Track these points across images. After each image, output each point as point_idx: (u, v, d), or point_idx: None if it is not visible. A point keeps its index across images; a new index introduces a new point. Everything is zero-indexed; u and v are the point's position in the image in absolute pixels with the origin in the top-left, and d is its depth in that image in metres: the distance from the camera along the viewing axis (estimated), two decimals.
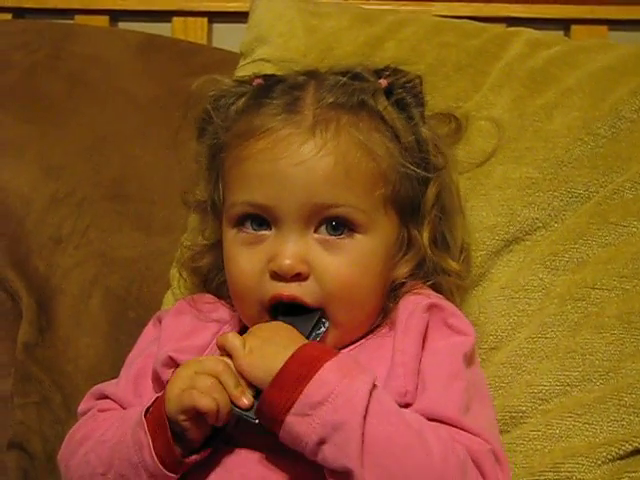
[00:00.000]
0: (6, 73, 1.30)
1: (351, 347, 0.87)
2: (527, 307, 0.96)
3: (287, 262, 0.82)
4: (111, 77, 1.31)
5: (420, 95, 0.94)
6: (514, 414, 0.91)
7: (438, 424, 0.78)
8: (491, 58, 1.10)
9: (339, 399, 0.73)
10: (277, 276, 0.83)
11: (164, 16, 1.48)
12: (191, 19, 1.48)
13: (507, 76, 1.08)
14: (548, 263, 0.98)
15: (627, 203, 0.98)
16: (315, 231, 0.84)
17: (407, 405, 0.80)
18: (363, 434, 0.72)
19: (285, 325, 0.82)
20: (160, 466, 0.78)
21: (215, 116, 0.91)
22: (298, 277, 0.83)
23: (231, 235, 0.88)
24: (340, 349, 0.83)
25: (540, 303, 0.96)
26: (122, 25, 1.50)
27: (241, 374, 0.77)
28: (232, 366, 0.78)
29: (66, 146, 1.25)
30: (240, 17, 1.34)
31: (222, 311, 0.93)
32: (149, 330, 0.98)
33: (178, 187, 1.06)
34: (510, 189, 1.01)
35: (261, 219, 0.85)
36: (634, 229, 0.97)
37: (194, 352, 0.88)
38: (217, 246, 0.94)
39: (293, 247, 0.83)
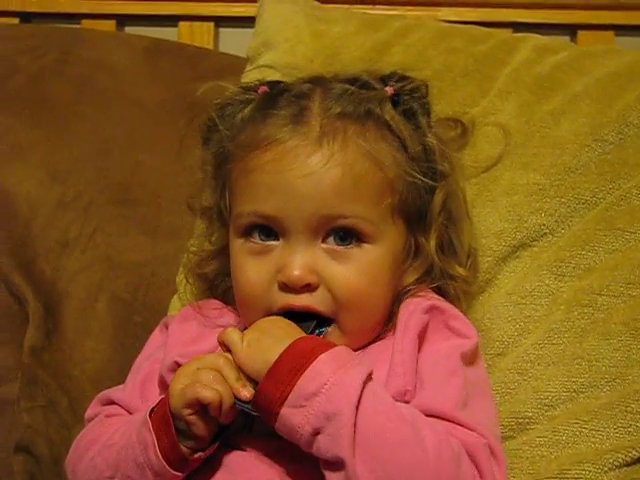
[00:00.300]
0: (13, 77, 1.31)
1: (357, 352, 0.86)
2: (534, 313, 0.96)
3: (296, 273, 0.82)
4: (118, 81, 1.32)
5: (427, 102, 0.94)
6: (520, 420, 0.91)
7: (434, 419, 0.77)
8: (498, 64, 1.10)
9: (332, 390, 0.73)
10: (286, 287, 0.83)
11: (171, 21, 1.48)
12: (197, 24, 1.48)
13: (514, 82, 1.08)
14: (555, 269, 0.98)
15: (634, 209, 0.98)
16: (323, 241, 0.84)
17: (406, 404, 0.80)
18: (355, 424, 0.72)
19: (284, 319, 0.82)
20: (165, 464, 0.78)
21: (220, 124, 0.91)
22: (307, 288, 0.83)
23: (238, 245, 0.88)
24: None
25: (547, 309, 0.96)
26: (129, 30, 1.50)
27: (240, 367, 0.78)
28: (232, 361, 0.78)
29: (73, 150, 1.25)
30: (247, 22, 1.34)
31: (228, 317, 0.93)
32: (156, 336, 0.98)
33: (184, 192, 1.06)
34: (517, 195, 1.01)
35: (268, 229, 0.85)
36: None
37: None
38: (223, 252, 0.94)
39: (301, 258, 0.83)
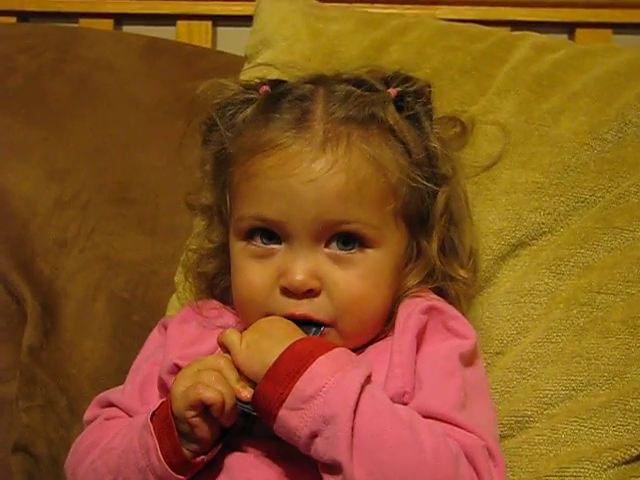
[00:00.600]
0: (11, 76, 1.30)
1: (355, 354, 0.86)
2: (532, 312, 0.96)
3: (299, 278, 0.82)
4: (116, 80, 1.31)
5: (430, 103, 0.93)
6: (519, 418, 0.91)
7: (432, 421, 0.77)
8: (497, 62, 1.10)
9: (330, 392, 0.73)
10: (288, 292, 0.83)
11: (168, 19, 1.48)
12: (195, 22, 1.48)
13: (513, 80, 1.08)
14: (554, 268, 0.97)
15: (633, 208, 0.98)
16: (326, 246, 0.84)
17: (405, 405, 0.80)
18: (353, 427, 0.72)
19: (283, 319, 0.82)
20: (167, 467, 0.78)
21: (221, 125, 0.90)
22: (309, 293, 0.83)
23: (239, 247, 0.87)
24: None
25: (546, 308, 0.96)
26: (126, 28, 1.50)
27: (239, 369, 0.78)
28: (232, 362, 0.78)
29: (71, 149, 1.25)
30: (244, 20, 1.33)
31: (227, 317, 0.93)
32: (154, 336, 0.98)
33: (183, 190, 1.05)
34: (516, 194, 1.01)
35: (270, 233, 0.85)
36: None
37: None
38: (223, 250, 0.94)
39: (304, 263, 0.82)
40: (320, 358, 0.75)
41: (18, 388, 1.12)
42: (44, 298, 1.17)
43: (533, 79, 1.07)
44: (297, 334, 0.79)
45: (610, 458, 0.87)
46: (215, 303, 0.96)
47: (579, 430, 0.89)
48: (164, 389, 0.88)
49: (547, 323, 0.95)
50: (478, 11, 1.42)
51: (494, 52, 1.11)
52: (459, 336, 0.85)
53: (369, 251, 0.85)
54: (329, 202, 0.82)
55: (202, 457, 0.79)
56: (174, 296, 1.09)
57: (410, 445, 0.73)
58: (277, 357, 0.75)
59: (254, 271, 0.85)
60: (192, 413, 0.77)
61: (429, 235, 0.89)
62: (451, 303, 0.90)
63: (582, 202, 1.00)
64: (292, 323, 0.81)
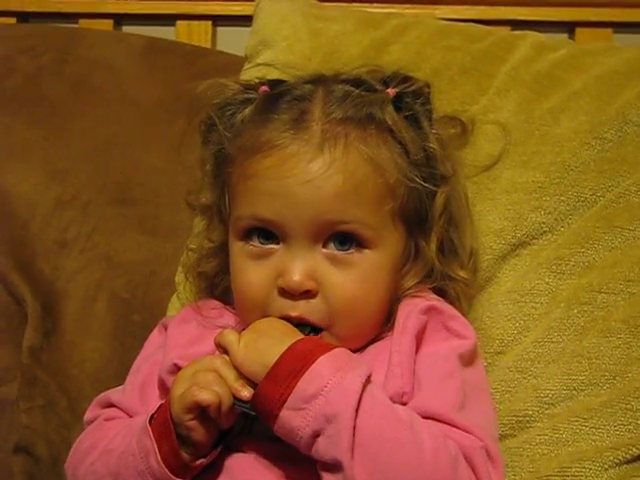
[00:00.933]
0: (11, 77, 1.30)
1: (355, 354, 0.86)
2: (533, 311, 0.96)
3: (296, 279, 0.82)
4: (115, 81, 1.31)
5: (429, 104, 0.93)
6: (520, 418, 0.91)
7: (431, 422, 0.77)
8: (497, 61, 1.10)
9: (332, 392, 0.73)
10: (285, 293, 0.83)
11: (168, 20, 1.48)
12: (195, 22, 1.48)
13: (513, 80, 1.07)
14: (554, 267, 0.97)
15: (633, 207, 0.98)
16: (323, 246, 0.84)
17: (404, 405, 0.80)
18: (355, 427, 0.72)
19: (280, 320, 0.82)
20: (167, 471, 0.78)
21: (220, 125, 0.90)
22: (306, 294, 0.82)
23: (238, 247, 0.87)
24: None
25: (546, 307, 0.96)
26: (126, 29, 1.50)
27: (237, 369, 0.78)
28: (230, 362, 0.78)
29: (71, 150, 1.25)
30: (244, 20, 1.33)
31: (227, 317, 0.93)
32: (154, 336, 0.98)
33: (183, 190, 1.05)
34: (517, 193, 1.01)
35: (268, 233, 0.85)
36: None
37: None
38: (223, 250, 0.94)
39: (302, 263, 0.82)
40: (320, 358, 0.75)
41: (19, 389, 1.12)
42: (44, 299, 1.17)
43: (533, 78, 1.07)
44: (295, 334, 0.79)
45: (611, 458, 0.87)
46: (215, 303, 0.96)
47: (580, 430, 0.89)
48: (164, 389, 0.88)
49: (548, 322, 0.95)
50: (478, 10, 1.42)
51: (494, 52, 1.11)
52: (459, 336, 0.85)
53: (367, 251, 0.84)
54: (326, 203, 0.82)
55: (201, 460, 0.79)
56: (174, 296, 1.09)
57: (410, 445, 0.73)
58: (278, 357, 0.75)
59: (252, 271, 0.85)
60: (189, 416, 0.77)
61: (428, 235, 0.89)
62: (451, 303, 0.90)
63: (583, 201, 1.00)
64: (289, 324, 0.81)
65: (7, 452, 1.09)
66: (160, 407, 0.81)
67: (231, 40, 1.46)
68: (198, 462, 0.79)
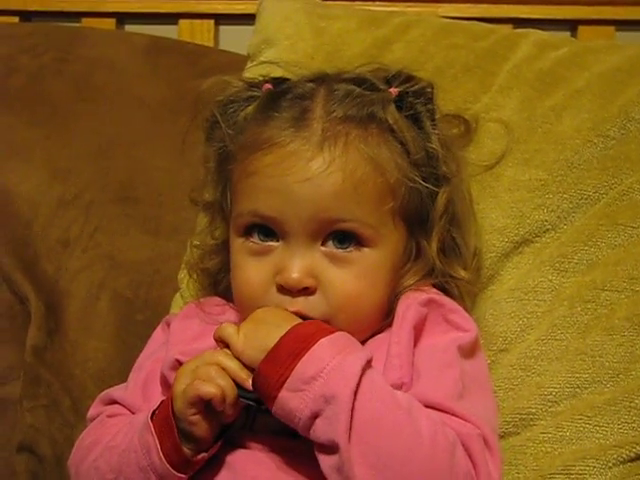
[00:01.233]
0: (13, 76, 1.30)
1: None
2: (537, 309, 0.96)
3: (294, 276, 0.82)
4: (118, 80, 1.31)
5: (432, 104, 0.93)
6: (524, 416, 0.91)
7: (430, 410, 0.77)
8: (499, 60, 1.09)
9: (332, 374, 0.73)
10: (284, 289, 0.83)
11: (171, 18, 1.48)
12: (198, 21, 1.47)
13: (515, 78, 1.07)
14: (557, 265, 0.97)
15: (636, 204, 0.98)
16: (323, 244, 0.84)
17: None
18: (353, 409, 0.72)
19: (278, 308, 0.82)
20: (169, 466, 0.78)
21: (223, 122, 0.90)
22: (305, 291, 0.83)
23: (238, 244, 0.87)
24: None
25: (550, 305, 0.96)
26: (129, 28, 1.50)
27: (239, 359, 0.78)
28: (231, 354, 0.79)
29: (73, 149, 1.25)
30: (247, 19, 1.32)
31: (230, 314, 0.93)
32: (158, 334, 0.98)
33: (186, 189, 1.05)
34: (519, 191, 1.00)
35: (268, 229, 0.85)
36: None
37: None
38: (225, 247, 0.94)
39: (300, 261, 0.83)
40: (321, 340, 0.75)
41: (22, 388, 1.12)
42: (48, 298, 1.17)
43: (536, 76, 1.07)
44: (294, 319, 0.80)
45: (615, 456, 0.87)
46: (218, 300, 0.96)
47: (584, 428, 0.89)
48: (166, 385, 0.88)
49: (551, 320, 0.95)
50: (480, 9, 1.42)
51: (497, 50, 1.10)
52: (459, 329, 0.85)
53: (366, 250, 0.84)
54: (325, 201, 0.82)
55: (203, 454, 0.79)
56: (178, 294, 1.09)
57: (407, 430, 0.73)
58: (278, 339, 0.76)
59: (251, 268, 0.85)
60: (192, 411, 0.77)
61: (429, 235, 0.89)
62: (455, 301, 0.90)
63: (585, 199, 0.99)
64: (287, 311, 0.82)
65: (11, 451, 1.10)
66: (162, 403, 0.81)
67: (234, 39, 1.46)
68: (199, 456, 0.79)
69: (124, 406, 0.91)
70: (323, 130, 0.83)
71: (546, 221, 0.99)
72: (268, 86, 0.92)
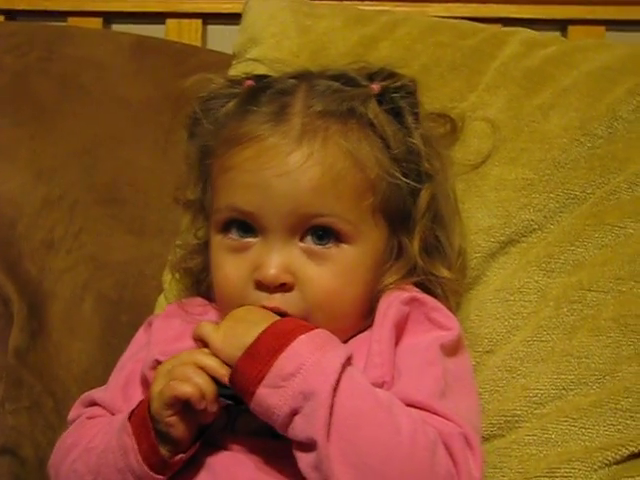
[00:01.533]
0: None
1: None
2: (522, 310, 0.95)
3: (272, 272, 0.81)
4: (103, 79, 1.31)
5: (415, 100, 0.93)
6: (509, 418, 0.90)
7: (411, 408, 0.77)
8: (486, 58, 1.09)
9: (311, 370, 0.73)
10: (261, 286, 0.82)
11: (158, 18, 1.47)
12: (185, 21, 1.47)
13: (503, 76, 1.07)
14: (544, 265, 0.96)
15: (624, 204, 0.97)
16: (301, 240, 0.83)
17: None
18: (332, 406, 0.71)
19: (258, 307, 0.81)
20: (146, 468, 0.77)
21: (204, 118, 0.90)
22: (282, 287, 0.82)
23: (217, 241, 0.87)
24: None
25: (535, 306, 0.95)
26: (115, 27, 1.50)
27: (218, 356, 0.77)
28: (210, 353, 0.78)
29: (58, 149, 1.24)
30: (235, 19, 1.31)
31: (212, 314, 0.92)
32: (140, 335, 0.97)
33: (171, 190, 1.04)
34: (505, 190, 1.00)
35: (246, 225, 0.84)
36: (631, 230, 0.96)
37: None
38: (207, 246, 0.93)
39: (278, 257, 0.82)
40: (301, 337, 0.75)
41: (4, 390, 1.11)
42: (31, 299, 1.16)
43: (523, 75, 1.06)
44: (273, 317, 0.79)
45: (601, 458, 0.86)
46: (201, 300, 0.95)
47: (569, 430, 0.88)
48: (147, 386, 0.88)
49: (537, 321, 0.94)
50: (469, 8, 1.41)
51: (484, 48, 1.10)
52: (442, 327, 0.85)
53: (345, 246, 0.84)
54: (303, 195, 0.81)
55: (181, 455, 0.78)
56: (162, 295, 1.08)
57: (387, 428, 0.72)
58: (257, 335, 0.75)
59: (230, 265, 0.85)
60: (169, 412, 0.76)
61: (411, 233, 0.88)
62: (439, 301, 0.89)
63: (572, 199, 0.99)
64: (266, 310, 0.81)
65: None
66: (140, 404, 0.80)
67: (222, 38, 1.45)
68: (177, 458, 0.78)
69: (104, 407, 0.90)
70: (302, 124, 0.83)
71: (532, 221, 0.99)
72: (250, 83, 0.91)
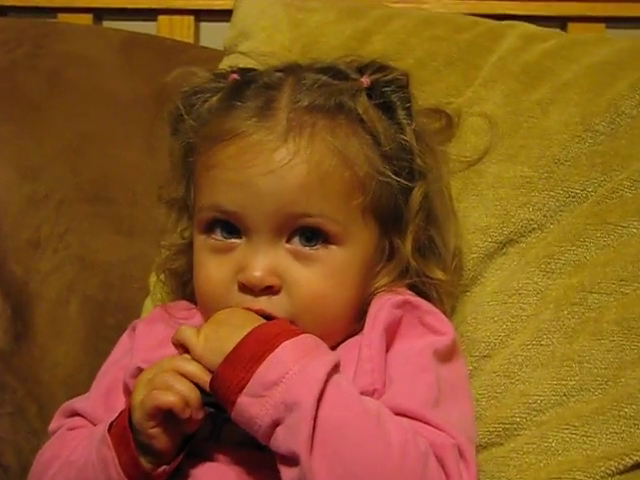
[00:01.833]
0: None
1: None
2: (521, 312, 0.94)
3: (256, 274, 0.79)
4: (92, 76, 1.29)
5: (407, 94, 0.90)
6: (507, 426, 0.89)
7: (402, 417, 0.75)
8: (483, 52, 1.07)
9: (294, 379, 0.70)
10: (245, 288, 0.80)
11: (149, 14, 1.46)
12: (177, 17, 1.46)
13: (500, 70, 1.05)
14: (543, 266, 0.95)
15: (626, 202, 0.96)
16: (288, 241, 0.81)
17: None
18: (316, 418, 0.69)
19: (242, 309, 0.79)
20: None
21: (186, 113, 0.88)
22: (268, 290, 0.80)
23: (200, 241, 0.85)
24: None
25: (535, 308, 0.94)
26: (107, 24, 1.48)
27: (199, 362, 0.75)
28: (191, 359, 0.76)
29: (44, 146, 1.23)
30: (228, 15, 1.29)
31: (198, 318, 0.89)
32: (124, 340, 0.95)
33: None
34: (504, 188, 0.98)
35: (231, 226, 0.82)
36: (634, 230, 0.94)
37: None
38: (192, 246, 0.90)
39: (263, 259, 0.80)
40: (285, 343, 0.72)
41: None
42: (15, 300, 1.15)
43: (521, 69, 1.05)
44: (258, 320, 0.76)
45: (603, 468, 0.84)
46: (186, 304, 0.93)
47: (570, 438, 0.86)
48: (129, 394, 0.84)
49: (536, 324, 0.92)
50: (468, 5, 1.40)
51: (481, 42, 1.08)
52: (436, 332, 0.83)
53: (333, 248, 0.81)
54: (289, 194, 0.79)
55: (164, 467, 0.76)
56: (148, 298, 1.06)
57: (375, 439, 0.70)
58: (239, 340, 0.72)
59: (212, 266, 0.83)
60: (151, 423, 0.74)
61: (403, 234, 0.86)
62: (433, 304, 0.87)
63: (573, 197, 0.97)
64: (251, 312, 0.78)
65: None
66: (120, 414, 0.78)
67: (215, 35, 1.43)
68: (160, 469, 0.76)
69: (85, 418, 0.88)
70: (288, 120, 0.80)
71: (532, 220, 0.97)
72: (234, 76, 0.89)
